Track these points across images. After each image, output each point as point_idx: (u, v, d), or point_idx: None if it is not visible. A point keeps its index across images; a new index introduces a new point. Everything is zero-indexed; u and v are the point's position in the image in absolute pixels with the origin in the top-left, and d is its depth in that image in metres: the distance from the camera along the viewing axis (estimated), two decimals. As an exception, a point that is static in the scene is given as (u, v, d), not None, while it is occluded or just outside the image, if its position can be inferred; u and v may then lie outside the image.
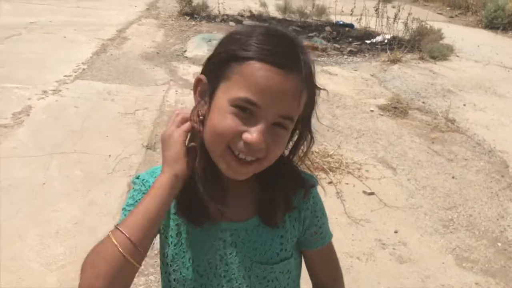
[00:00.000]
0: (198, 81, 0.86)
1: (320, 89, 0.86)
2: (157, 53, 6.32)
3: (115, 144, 3.74)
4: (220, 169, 0.86)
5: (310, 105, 0.85)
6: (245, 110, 0.77)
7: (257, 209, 0.94)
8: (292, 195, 0.94)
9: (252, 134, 0.77)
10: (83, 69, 5.39)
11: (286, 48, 0.78)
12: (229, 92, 0.78)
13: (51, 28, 6.98)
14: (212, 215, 0.89)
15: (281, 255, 0.96)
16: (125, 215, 0.91)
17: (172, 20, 8.24)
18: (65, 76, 5.12)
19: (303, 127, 0.89)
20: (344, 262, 2.69)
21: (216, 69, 0.81)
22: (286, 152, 0.93)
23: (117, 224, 0.83)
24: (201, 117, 0.84)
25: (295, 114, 0.81)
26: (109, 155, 3.55)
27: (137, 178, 0.98)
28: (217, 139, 0.80)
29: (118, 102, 4.55)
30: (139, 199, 0.90)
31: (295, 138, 0.92)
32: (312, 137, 0.92)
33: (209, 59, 0.85)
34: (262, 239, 0.94)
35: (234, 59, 0.78)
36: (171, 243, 0.94)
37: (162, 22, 8.09)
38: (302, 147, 0.93)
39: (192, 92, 0.89)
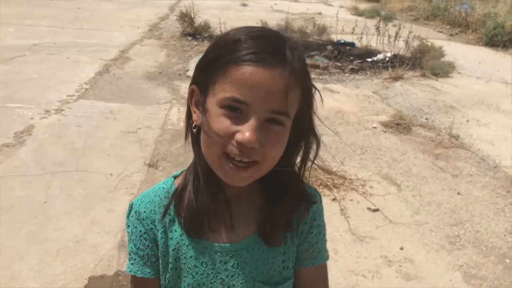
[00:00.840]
0: (191, 92, 0.85)
1: (315, 88, 0.84)
2: (160, 72, 6.36)
3: (117, 162, 3.72)
4: (220, 187, 0.85)
5: (306, 100, 0.82)
6: (235, 110, 0.75)
7: (256, 226, 0.90)
8: (293, 215, 0.91)
9: (244, 133, 0.74)
10: (86, 89, 5.42)
11: (270, 45, 0.76)
12: (217, 95, 0.76)
13: (55, 49, 7.05)
14: (213, 233, 0.88)
15: (283, 273, 0.93)
16: (132, 263, 0.93)
17: (175, 40, 8.32)
18: (68, 96, 5.14)
19: (304, 125, 0.84)
20: (349, 280, 2.63)
21: (204, 76, 0.80)
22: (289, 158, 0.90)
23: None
24: (194, 130, 0.83)
25: (289, 109, 0.77)
26: (111, 174, 3.53)
27: (130, 208, 0.95)
28: (211, 144, 0.78)
29: (121, 121, 4.55)
30: (140, 245, 0.92)
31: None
32: (318, 140, 0.88)
33: (197, 68, 0.84)
34: (263, 257, 0.90)
35: (219, 63, 0.77)
36: (171, 269, 0.92)
37: (164, 42, 8.16)
38: (309, 154, 0.89)
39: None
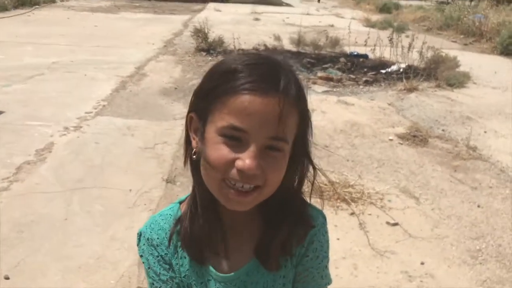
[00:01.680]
0: (190, 119, 0.86)
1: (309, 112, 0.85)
2: (175, 88, 6.43)
3: (135, 178, 3.76)
4: (218, 213, 0.86)
5: (303, 124, 0.83)
6: (234, 138, 0.76)
7: (254, 251, 0.91)
8: (291, 239, 0.90)
9: (244, 160, 0.75)
10: (103, 106, 5.51)
11: (265, 73, 0.78)
12: (215, 123, 0.78)
13: (72, 67, 7.19)
14: (215, 260, 0.90)
15: None
16: None
17: (189, 56, 8.42)
18: (86, 113, 5.23)
19: (299, 149, 0.85)
20: (370, 295, 2.61)
21: (202, 104, 0.81)
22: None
23: None
24: (194, 156, 0.84)
25: (287, 135, 0.78)
26: (130, 190, 3.57)
27: (139, 236, 0.95)
28: (211, 172, 0.79)
29: (138, 137, 4.61)
30: (159, 270, 0.91)
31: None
32: (311, 161, 0.89)
33: (195, 96, 0.85)
34: (263, 280, 0.91)
35: (217, 93, 0.78)
36: None
37: (179, 58, 8.26)
38: (306, 178, 0.89)
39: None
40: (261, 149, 0.77)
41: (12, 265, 2.68)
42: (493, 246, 3.12)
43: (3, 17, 11.38)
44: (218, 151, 0.77)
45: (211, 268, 0.91)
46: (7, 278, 2.57)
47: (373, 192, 3.67)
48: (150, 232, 0.93)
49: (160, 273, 0.91)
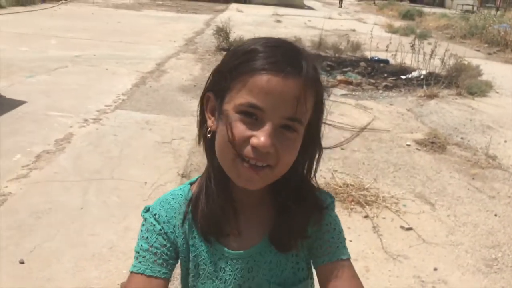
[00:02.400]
0: (207, 99, 0.87)
1: (327, 92, 0.86)
2: (194, 85, 6.48)
3: (151, 172, 3.80)
4: (229, 193, 0.87)
5: (319, 108, 0.84)
6: (251, 115, 0.77)
7: (267, 232, 0.91)
8: (306, 222, 0.91)
9: (259, 138, 0.76)
10: (123, 100, 5.58)
11: (286, 54, 0.79)
12: (233, 101, 0.79)
13: (95, 61, 7.30)
14: (228, 239, 0.90)
15: (298, 275, 0.94)
16: (140, 262, 0.90)
17: (209, 55, 8.47)
18: (106, 106, 5.30)
19: (312, 133, 0.86)
20: (381, 298, 2.59)
21: (221, 84, 0.82)
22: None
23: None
24: (209, 135, 0.85)
25: (303, 117, 0.79)
26: (145, 182, 3.61)
27: (147, 211, 0.95)
28: (226, 148, 0.80)
29: (156, 132, 4.65)
30: (154, 242, 0.90)
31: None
32: (320, 145, 0.89)
33: (214, 75, 0.86)
34: (276, 259, 0.92)
35: (236, 72, 0.79)
36: (193, 275, 0.94)
37: (199, 56, 8.32)
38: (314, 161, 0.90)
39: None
40: (276, 128, 0.78)
41: (28, 250, 2.73)
42: (510, 256, 3.06)
43: (31, 11, 11.62)
44: (234, 128, 0.78)
45: (223, 246, 0.92)
46: (22, 262, 2.62)
47: (388, 196, 3.64)
48: (160, 209, 0.93)
49: (153, 245, 0.90)
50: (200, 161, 4.05)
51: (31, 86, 5.78)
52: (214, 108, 0.85)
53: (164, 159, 4.08)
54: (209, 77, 0.88)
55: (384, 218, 3.36)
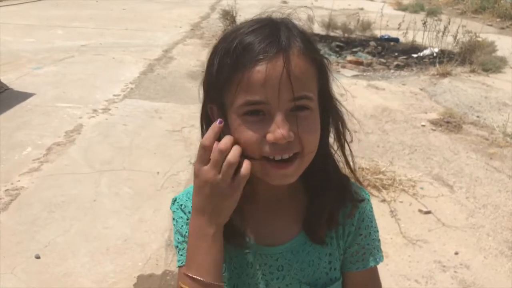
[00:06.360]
0: (211, 111, 0.83)
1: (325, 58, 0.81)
2: (202, 71, 6.32)
3: (163, 161, 3.76)
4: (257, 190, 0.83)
5: (322, 75, 0.79)
6: (257, 113, 0.73)
7: (301, 225, 0.88)
8: (337, 210, 0.87)
9: (274, 132, 0.72)
10: (131, 89, 5.52)
11: (264, 38, 0.73)
12: (232, 105, 0.75)
13: (101, 50, 7.22)
14: (257, 234, 0.86)
15: (330, 274, 0.90)
16: (181, 254, 0.88)
17: (216, 39, 8.34)
18: (114, 95, 5.25)
19: (325, 101, 0.81)
20: (401, 285, 2.53)
21: (215, 93, 0.78)
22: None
23: (183, 270, 0.81)
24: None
25: (308, 91, 0.74)
26: (158, 172, 3.57)
27: (174, 202, 0.93)
28: (247, 154, 0.76)
29: (165, 120, 4.60)
30: (187, 232, 0.87)
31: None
32: (338, 110, 0.85)
33: (206, 86, 0.82)
34: (309, 258, 0.88)
35: (223, 76, 0.75)
36: None
37: (206, 41, 8.21)
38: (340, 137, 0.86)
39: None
40: (286, 114, 0.73)
41: (43, 245, 2.71)
42: (532, 238, 2.98)
43: (35, 1, 11.53)
44: (245, 132, 0.74)
45: (251, 240, 0.87)
46: (38, 257, 2.61)
47: (405, 179, 3.56)
48: (186, 200, 0.91)
49: (185, 235, 0.88)
50: (212, 149, 3.99)
51: (39, 77, 5.73)
52: (220, 117, 0.80)
53: (175, 147, 4.03)
54: (203, 90, 0.83)
55: (401, 202, 3.29)
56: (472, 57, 6.99)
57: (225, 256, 0.87)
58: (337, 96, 0.86)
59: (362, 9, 12.60)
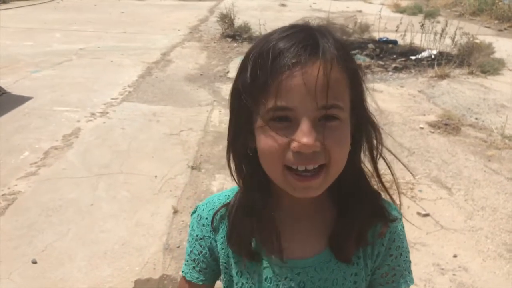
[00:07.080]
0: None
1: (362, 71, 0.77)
2: (201, 74, 6.39)
3: (161, 164, 3.75)
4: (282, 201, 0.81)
5: (355, 85, 0.75)
6: (282, 119, 0.69)
7: (328, 241, 0.83)
8: (367, 228, 0.84)
9: (299, 139, 0.68)
10: (129, 92, 5.51)
11: (299, 42, 0.70)
12: (259, 112, 0.71)
13: (99, 53, 7.22)
14: (275, 253, 0.82)
15: None
16: (184, 264, 0.94)
17: (215, 42, 8.35)
18: (112, 98, 5.24)
19: (359, 113, 0.77)
20: (400, 288, 2.52)
21: (248, 96, 0.73)
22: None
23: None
24: (250, 153, 0.78)
25: (339, 100, 0.70)
26: (155, 176, 3.56)
27: (194, 211, 0.93)
28: (270, 162, 0.73)
29: (163, 123, 4.59)
30: (193, 248, 0.91)
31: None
32: (374, 123, 0.80)
33: (234, 95, 0.78)
34: (333, 277, 0.83)
35: (254, 85, 0.71)
36: (236, 283, 0.88)
37: (204, 44, 8.21)
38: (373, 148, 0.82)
39: None
40: (314, 122, 0.69)
41: (40, 249, 2.70)
42: (531, 240, 2.97)
43: (34, 4, 11.55)
44: (270, 138, 0.70)
45: (270, 255, 0.83)
46: (34, 262, 2.59)
47: (403, 181, 3.55)
48: (203, 210, 0.91)
49: (192, 251, 0.92)
50: (210, 152, 3.99)
51: (37, 81, 5.73)
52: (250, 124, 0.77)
53: (173, 151, 4.02)
54: (231, 97, 0.79)
55: (399, 204, 3.27)
56: (470, 59, 7.00)
57: (243, 270, 0.85)
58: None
59: (360, 11, 12.62)
